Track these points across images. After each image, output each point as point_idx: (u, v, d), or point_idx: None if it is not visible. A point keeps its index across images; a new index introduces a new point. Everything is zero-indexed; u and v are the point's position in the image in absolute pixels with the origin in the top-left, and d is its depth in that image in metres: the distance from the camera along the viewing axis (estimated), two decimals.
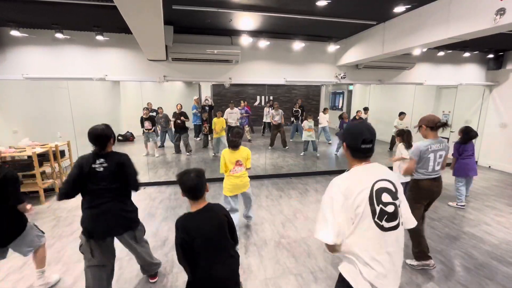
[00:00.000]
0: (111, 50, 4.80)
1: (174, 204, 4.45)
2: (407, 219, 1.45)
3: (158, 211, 4.20)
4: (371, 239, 1.28)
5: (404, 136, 3.64)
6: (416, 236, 2.82)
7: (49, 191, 4.81)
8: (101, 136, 2.06)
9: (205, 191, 1.65)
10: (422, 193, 2.83)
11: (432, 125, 2.71)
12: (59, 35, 4.30)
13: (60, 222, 3.82)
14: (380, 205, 1.28)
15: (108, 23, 4.26)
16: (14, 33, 4.15)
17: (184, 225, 1.57)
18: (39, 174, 4.39)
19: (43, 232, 2.54)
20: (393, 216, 1.31)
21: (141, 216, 2.43)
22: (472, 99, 7.19)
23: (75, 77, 4.73)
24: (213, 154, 7.26)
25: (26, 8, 3.56)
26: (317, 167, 6.60)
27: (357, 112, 7.75)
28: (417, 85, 6.61)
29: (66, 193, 2.02)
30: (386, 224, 1.29)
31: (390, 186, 1.34)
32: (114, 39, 4.74)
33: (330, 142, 8.74)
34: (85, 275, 2.12)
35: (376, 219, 1.28)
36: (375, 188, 1.30)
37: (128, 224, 2.25)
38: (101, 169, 2.05)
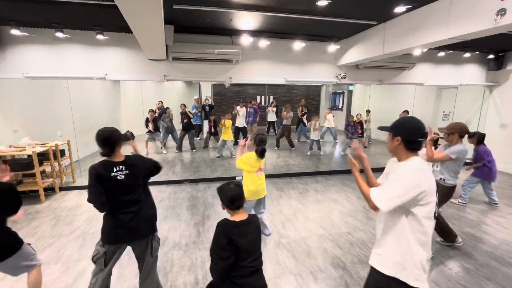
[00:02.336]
0: (111, 49, 4.80)
1: (173, 204, 4.45)
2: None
3: (158, 210, 4.13)
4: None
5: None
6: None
7: (49, 190, 4.80)
8: (109, 139, 1.91)
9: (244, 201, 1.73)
10: (449, 198, 3.24)
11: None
12: (59, 34, 4.30)
13: (60, 221, 3.82)
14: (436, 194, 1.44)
15: (109, 22, 4.26)
16: (15, 32, 4.15)
17: (229, 231, 1.57)
18: (39, 173, 4.39)
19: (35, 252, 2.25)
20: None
21: None
22: (472, 99, 7.19)
23: (75, 76, 4.74)
24: (217, 156, 7.26)
25: (26, 7, 3.56)
26: (317, 167, 6.60)
27: (357, 115, 7.76)
28: (417, 85, 6.61)
29: (102, 202, 1.87)
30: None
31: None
32: (114, 38, 4.74)
33: (336, 141, 8.95)
34: (91, 278, 2.04)
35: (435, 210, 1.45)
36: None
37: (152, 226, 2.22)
38: (122, 177, 1.92)
